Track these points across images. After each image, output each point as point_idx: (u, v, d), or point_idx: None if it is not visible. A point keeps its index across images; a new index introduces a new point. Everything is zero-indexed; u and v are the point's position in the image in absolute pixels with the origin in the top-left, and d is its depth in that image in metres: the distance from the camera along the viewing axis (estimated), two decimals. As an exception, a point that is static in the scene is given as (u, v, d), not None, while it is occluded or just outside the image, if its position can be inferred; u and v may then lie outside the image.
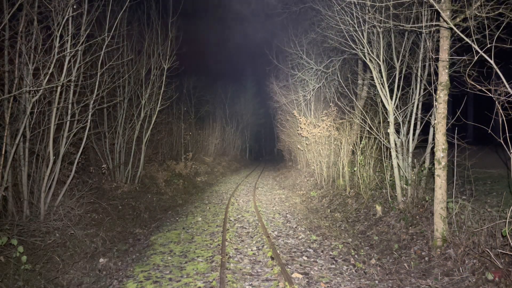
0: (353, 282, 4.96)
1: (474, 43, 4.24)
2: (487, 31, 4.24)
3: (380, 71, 7.85)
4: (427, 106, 8.00)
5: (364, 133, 10.08)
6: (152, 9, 12.21)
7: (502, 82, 4.15)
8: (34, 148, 7.11)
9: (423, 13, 6.99)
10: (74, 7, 6.65)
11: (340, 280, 5.03)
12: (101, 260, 5.87)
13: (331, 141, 12.84)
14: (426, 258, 5.53)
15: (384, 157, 8.69)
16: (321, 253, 6.27)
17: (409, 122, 8.09)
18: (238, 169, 29.42)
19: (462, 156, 6.40)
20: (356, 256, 6.08)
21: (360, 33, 7.86)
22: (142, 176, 12.63)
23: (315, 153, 14.32)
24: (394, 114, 7.81)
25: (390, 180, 8.36)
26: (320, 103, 14.39)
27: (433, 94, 6.30)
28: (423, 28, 6.64)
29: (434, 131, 6.19)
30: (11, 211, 6.47)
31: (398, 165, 7.86)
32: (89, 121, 7.67)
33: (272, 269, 5.44)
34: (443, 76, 5.68)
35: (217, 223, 8.77)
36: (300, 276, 5.13)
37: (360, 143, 10.10)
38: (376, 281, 4.99)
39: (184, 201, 12.56)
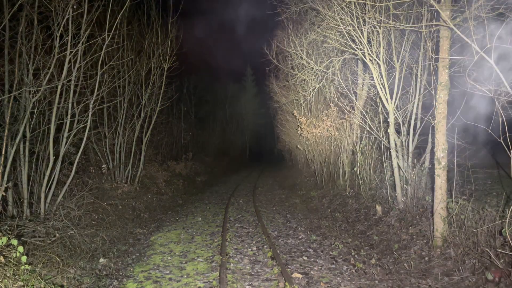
0: (353, 282, 4.96)
1: (474, 43, 4.24)
2: (487, 31, 4.24)
3: (380, 71, 7.84)
4: (427, 106, 7.99)
5: (364, 133, 10.08)
6: (152, 9, 12.21)
7: (502, 82, 4.15)
8: (34, 148, 7.11)
9: (423, 13, 6.99)
10: (74, 7, 6.64)
11: (340, 280, 5.03)
12: (101, 260, 5.87)
13: (331, 141, 12.84)
14: (426, 258, 5.53)
15: (384, 157, 8.69)
16: (321, 253, 6.27)
17: (409, 122, 8.08)
18: (238, 169, 29.41)
19: (462, 156, 6.39)
20: (356, 256, 6.08)
21: (360, 33, 7.86)
22: (142, 176, 12.63)
23: (315, 153, 14.32)
24: (394, 114, 7.81)
25: (390, 180, 8.36)
26: (320, 103, 14.39)
27: (433, 94, 6.30)
28: (423, 28, 6.64)
29: (434, 131, 6.19)
30: (11, 211, 6.48)
31: (398, 165, 7.86)
32: (89, 121, 7.67)
33: (272, 269, 5.44)
34: (443, 76, 5.68)
35: (217, 223, 8.76)
36: (300, 276, 5.13)
37: (360, 143, 10.10)
38: (376, 281, 4.99)
39: (184, 201, 12.56)
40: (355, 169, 10.19)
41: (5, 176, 5.96)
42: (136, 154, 12.23)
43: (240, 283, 4.93)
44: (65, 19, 6.53)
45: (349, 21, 7.86)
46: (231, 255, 6.16)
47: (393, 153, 7.89)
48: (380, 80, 7.86)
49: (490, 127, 4.75)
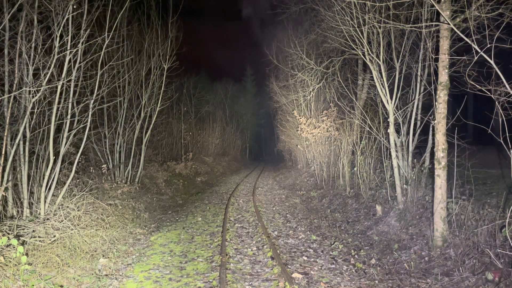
0: (353, 282, 4.96)
1: (474, 43, 4.24)
2: (487, 31, 4.24)
3: (380, 71, 7.85)
4: (427, 106, 8.00)
5: (364, 133, 10.08)
6: (152, 9, 12.21)
7: (502, 82, 4.15)
8: (34, 148, 7.11)
9: (423, 13, 6.99)
10: (74, 7, 6.64)
11: (340, 280, 5.03)
12: (101, 260, 5.87)
13: (331, 141, 12.85)
14: (426, 258, 5.53)
15: (384, 157, 8.69)
16: (321, 253, 6.27)
17: (409, 122, 8.09)
18: (238, 169, 29.42)
19: (462, 156, 6.39)
20: (356, 256, 6.08)
21: (360, 33, 7.86)
22: (142, 176, 12.63)
23: (315, 153, 14.33)
24: (394, 114, 7.81)
25: (390, 180, 8.36)
26: (320, 103, 14.40)
27: (433, 94, 6.30)
28: (423, 28, 6.65)
29: (434, 131, 6.19)
30: (11, 211, 6.47)
31: (398, 165, 7.86)
32: (89, 121, 7.66)
33: (272, 269, 5.44)
34: (443, 76, 5.68)
35: (217, 223, 8.77)
36: (300, 276, 5.13)
37: (360, 143, 10.10)
38: (376, 281, 4.99)
39: (184, 201, 12.56)
40: (355, 169, 10.19)
41: (5, 176, 5.96)
42: (136, 154, 12.23)
43: (240, 283, 4.93)
44: (65, 19, 6.53)
45: (349, 21, 7.86)
46: (231, 255, 6.16)
47: (393, 153, 7.89)
48: (380, 80, 7.86)
49: (490, 126, 4.75)
